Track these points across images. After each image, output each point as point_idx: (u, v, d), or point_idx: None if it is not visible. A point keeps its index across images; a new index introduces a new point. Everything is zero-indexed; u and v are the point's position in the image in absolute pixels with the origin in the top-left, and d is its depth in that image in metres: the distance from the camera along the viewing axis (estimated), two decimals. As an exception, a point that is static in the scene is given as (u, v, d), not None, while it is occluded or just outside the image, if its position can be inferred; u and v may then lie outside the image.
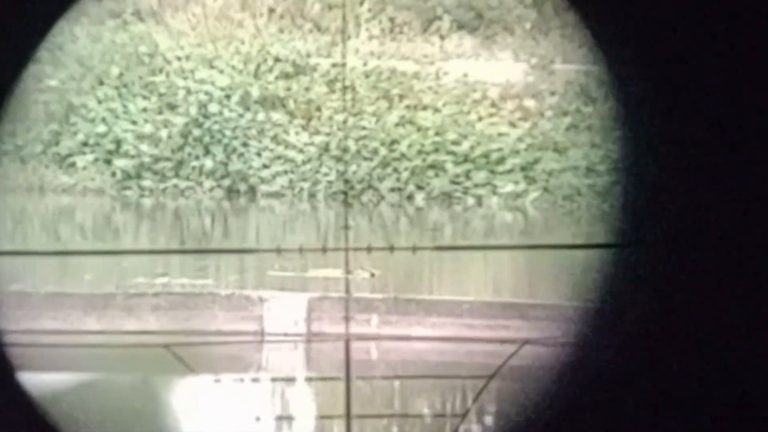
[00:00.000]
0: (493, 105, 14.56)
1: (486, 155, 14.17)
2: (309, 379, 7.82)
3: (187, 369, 4.77)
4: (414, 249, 7.85)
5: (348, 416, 4.45)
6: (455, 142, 14.27)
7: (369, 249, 7.21)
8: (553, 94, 14.58)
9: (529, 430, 2.74)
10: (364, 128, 14.44)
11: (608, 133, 13.89)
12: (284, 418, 6.59)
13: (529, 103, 14.53)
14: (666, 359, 2.47)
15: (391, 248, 7.99)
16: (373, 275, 9.53)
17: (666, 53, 2.49)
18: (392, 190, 14.07)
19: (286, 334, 8.51)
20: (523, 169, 14.01)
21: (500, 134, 14.28)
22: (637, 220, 2.69)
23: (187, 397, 6.88)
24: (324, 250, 7.67)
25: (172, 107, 14.75)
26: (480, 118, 14.48)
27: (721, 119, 2.45)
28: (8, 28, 2.43)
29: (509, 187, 13.98)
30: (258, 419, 6.18)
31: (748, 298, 2.43)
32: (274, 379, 7.55)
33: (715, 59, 2.42)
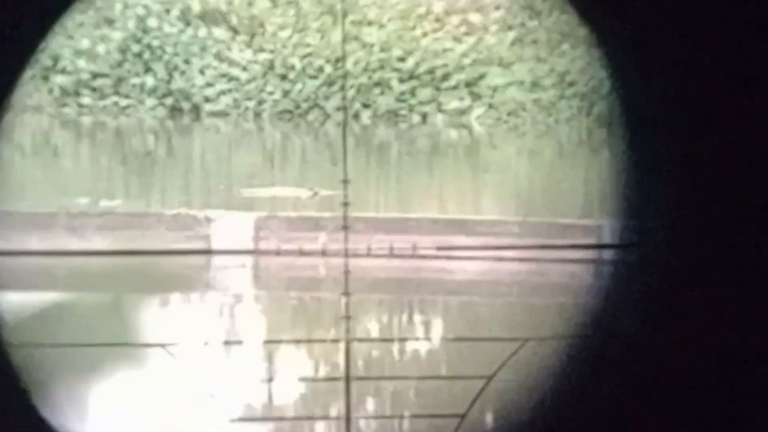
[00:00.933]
0: (437, 20, 14.46)
1: (431, 71, 14.11)
2: (258, 297, 7.86)
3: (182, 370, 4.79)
4: (414, 249, 7.89)
5: (348, 418, 4.49)
6: (400, 59, 14.19)
7: (369, 251, 7.25)
8: (497, 8, 14.50)
9: (529, 429, 2.76)
10: (308, 45, 14.28)
11: (553, 46, 13.90)
12: (232, 340, 6.62)
13: (474, 17, 14.44)
14: (666, 358, 2.49)
15: (391, 249, 8.01)
16: (316, 194, 9.52)
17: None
18: (338, 108, 13.99)
19: (233, 252, 8.51)
20: (468, 85, 14.00)
21: (445, 50, 14.22)
22: (637, 220, 2.69)
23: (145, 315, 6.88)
24: (323, 253, 7.69)
25: (109, 21, 14.41)
26: (425, 34, 14.38)
27: (721, 116, 2.43)
28: (7, 26, 2.34)
29: (454, 104, 13.98)
30: (205, 342, 6.21)
31: (749, 296, 2.44)
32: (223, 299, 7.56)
33: (715, 51, 2.39)
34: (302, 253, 8.22)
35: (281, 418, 5.15)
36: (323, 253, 7.97)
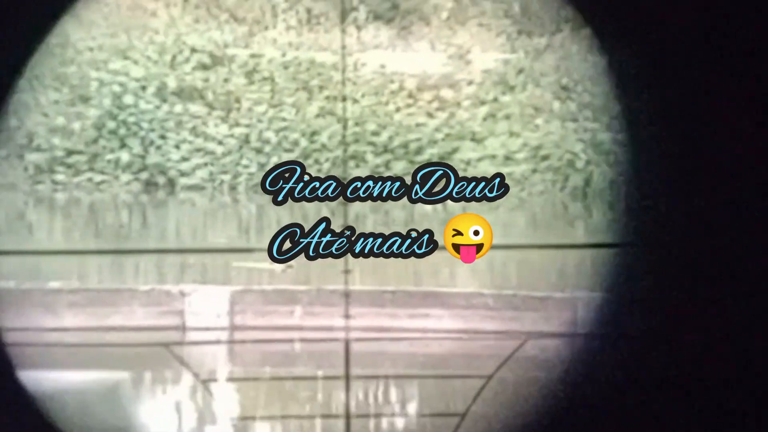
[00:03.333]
0: (410, 96, 14.64)
1: (405, 145, 14.26)
2: (231, 378, 7.78)
3: (185, 367, 4.73)
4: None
5: (348, 416, 4.45)
6: (375, 133, 14.33)
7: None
8: (470, 83, 14.71)
9: (527, 428, 2.75)
10: (284, 119, 14.40)
11: (527, 121, 14.07)
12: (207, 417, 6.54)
13: (447, 93, 14.63)
14: (666, 357, 2.49)
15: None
16: (291, 266, 9.51)
17: (668, 50, 2.49)
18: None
19: (207, 329, 8.45)
20: (441, 158, 14.13)
21: (418, 124, 14.38)
22: (637, 220, 2.71)
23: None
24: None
25: (84, 99, 14.49)
26: (398, 109, 14.55)
27: (721, 120, 2.47)
28: (6, 28, 2.36)
29: (428, 177, 14.06)
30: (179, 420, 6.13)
31: (749, 295, 2.45)
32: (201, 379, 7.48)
33: (717, 62, 2.43)
34: (277, 327, 8.18)
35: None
36: (299, 327, 7.93)
